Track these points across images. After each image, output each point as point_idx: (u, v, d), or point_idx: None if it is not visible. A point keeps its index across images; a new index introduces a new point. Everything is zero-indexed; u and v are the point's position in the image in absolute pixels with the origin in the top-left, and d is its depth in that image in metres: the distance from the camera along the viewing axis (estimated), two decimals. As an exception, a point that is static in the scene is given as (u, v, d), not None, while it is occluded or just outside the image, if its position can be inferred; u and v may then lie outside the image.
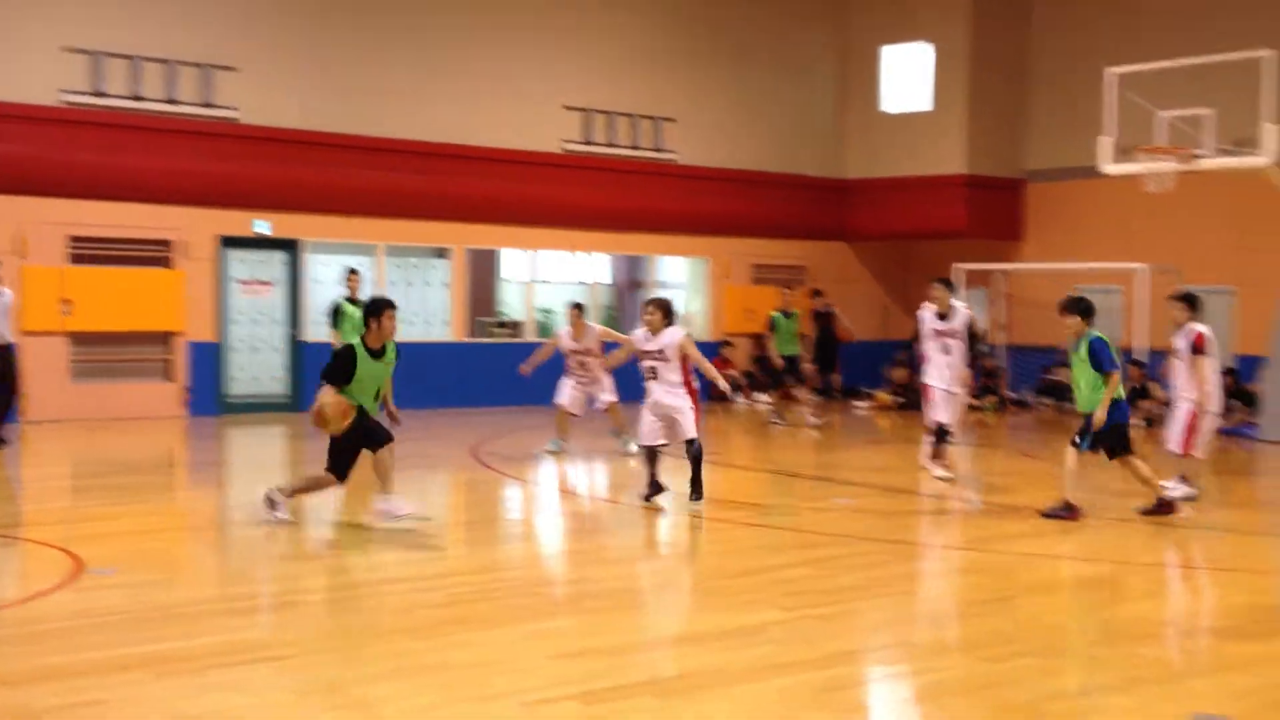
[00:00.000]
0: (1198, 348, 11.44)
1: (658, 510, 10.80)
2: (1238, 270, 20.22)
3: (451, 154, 19.91)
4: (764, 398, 20.78)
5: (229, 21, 18.41)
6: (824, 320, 20.60)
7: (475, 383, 20.30)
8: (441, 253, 20.82)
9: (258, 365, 19.13)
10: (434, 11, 20.01)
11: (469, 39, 20.34)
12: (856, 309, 23.21)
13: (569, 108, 21.28)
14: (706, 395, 11.72)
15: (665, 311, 10.99)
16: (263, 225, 18.84)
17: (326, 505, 10.56)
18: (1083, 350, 10.47)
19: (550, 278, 22.73)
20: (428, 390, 19.02)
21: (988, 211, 23.28)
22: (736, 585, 8.48)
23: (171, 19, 18.00)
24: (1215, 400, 11.63)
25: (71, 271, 17.38)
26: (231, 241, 18.70)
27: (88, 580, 7.93)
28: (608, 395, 14.42)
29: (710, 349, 19.85)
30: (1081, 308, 10.59)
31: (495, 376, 19.74)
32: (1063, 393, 21.06)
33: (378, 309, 9.76)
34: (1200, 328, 11.54)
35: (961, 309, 12.80)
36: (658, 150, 22.22)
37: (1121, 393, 10.47)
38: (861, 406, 21.50)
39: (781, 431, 17.72)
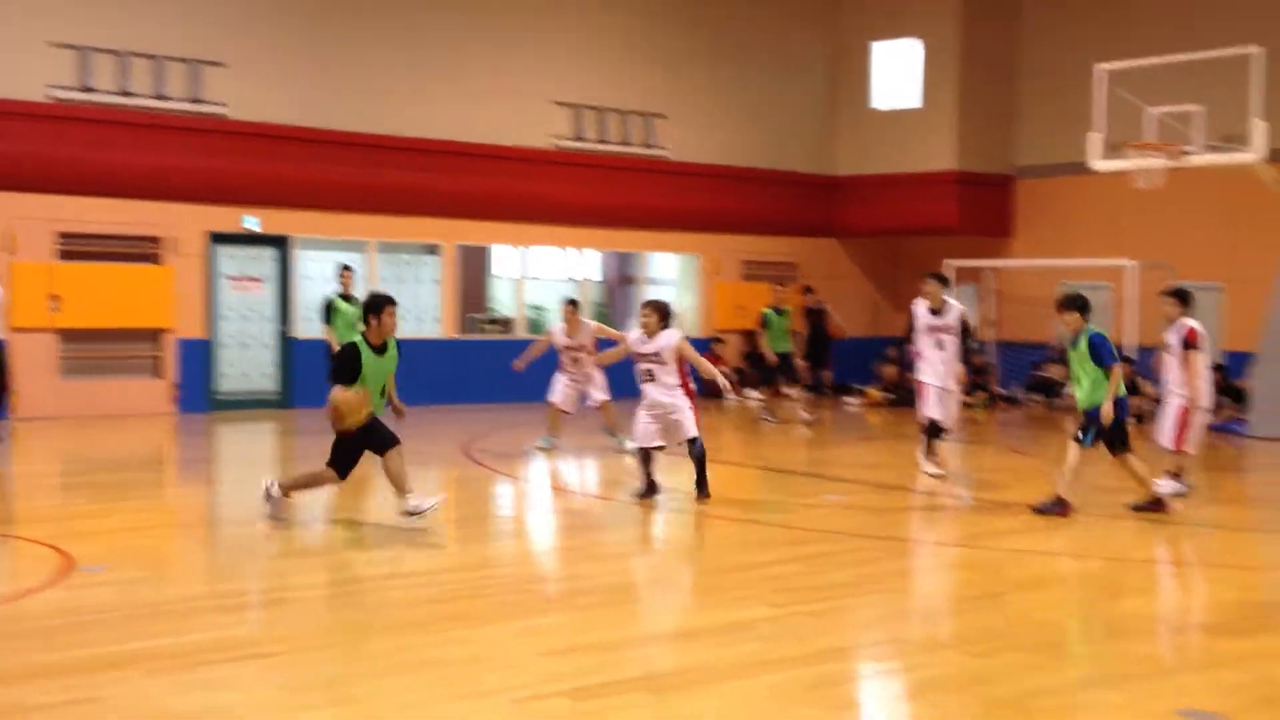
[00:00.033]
0: (1190, 343, 11.47)
1: (649, 507, 10.80)
2: (1226, 267, 20.28)
3: (442, 150, 19.89)
4: (754, 394, 20.80)
5: (217, 17, 18.36)
6: (815, 317, 20.62)
7: (466, 379, 20.28)
8: (432, 249, 20.79)
9: (248, 362, 19.09)
10: (425, 7, 19.97)
11: (460, 35, 20.31)
12: (847, 306, 23.23)
13: (560, 104, 21.27)
14: (701, 392, 11.72)
15: (662, 314, 10.96)
16: (252, 221, 18.81)
17: (318, 502, 10.54)
18: (1082, 346, 10.48)
19: (541, 274, 22.73)
20: (419, 387, 18.88)
21: (978, 208, 23.32)
22: (727, 581, 8.49)
23: (160, 14, 17.94)
24: (1206, 396, 11.67)
25: (60, 268, 17.34)
26: (221, 238, 18.67)
27: (78, 577, 7.91)
28: (600, 394, 14.40)
29: (701, 345, 19.84)
30: (1079, 304, 10.61)
31: (486, 373, 19.74)
32: (1052, 389, 21.15)
33: (378, 305, 9.61)
34: (1192, 323, 11.58)
35: (955, 304, 12.81)
36: (648, 147, 22.21)
37: (1122, 388, 10.49)
38: (852, 403, 21.52)
39: (772, 428, 17.73)
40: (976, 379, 20.88)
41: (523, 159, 20.73)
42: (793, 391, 19.03)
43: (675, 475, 11.90)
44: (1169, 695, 5.91)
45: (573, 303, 14.79)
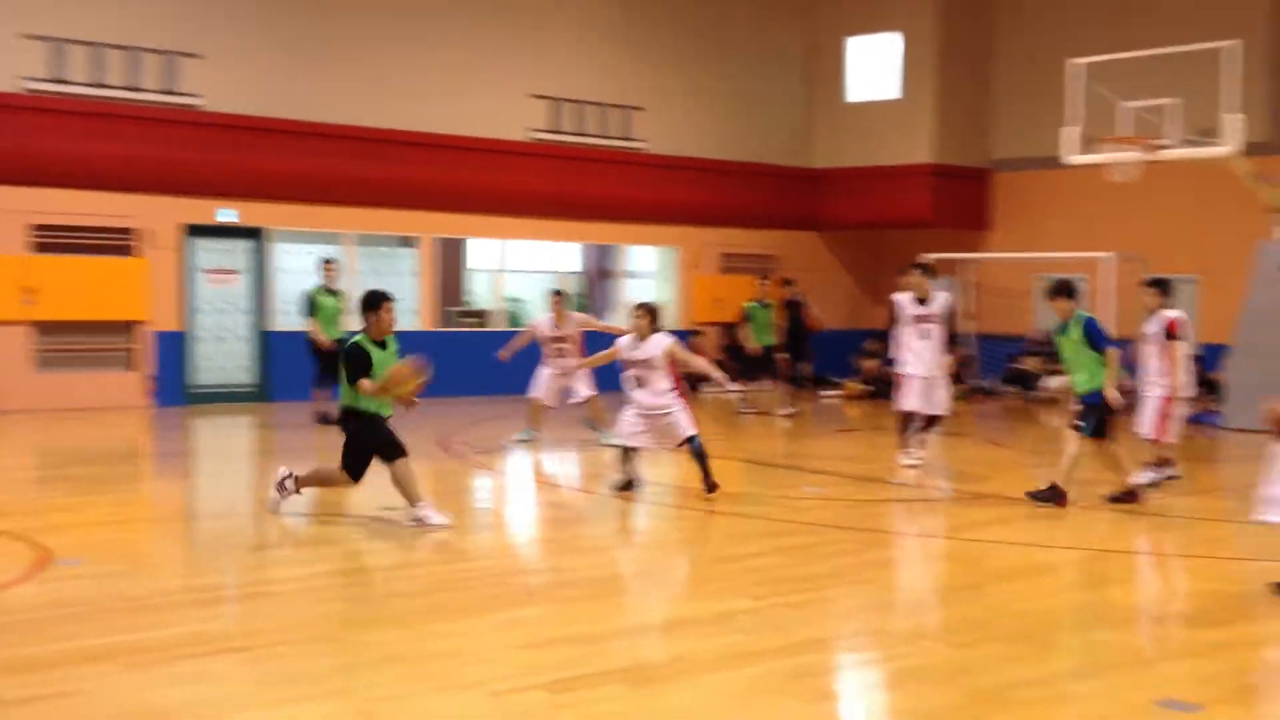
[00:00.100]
0: (1171, 333, 11.53)
1: (629, 500, 10.80)
2: (1201, 259, 20.40)
3: (419, 142, 19.82)
4: (734, 386, 20.78)
5: (192, 8, 18.24)
6: (794, 309, 20.63)
7: (443, 373, 20.07)
8: (409, 242, 20.72)
9: (224, 355, 18.99)
10: (401, -1, 19.91)
11: (436, 26, 20.24)
12: (825, 298, 23.25)
13: (538, 96, 21.22)
14: (691, 386, 11.72)
15: (654, 316, 10.91)
16: (228, 214, 18.70)
17: (307, 498, 10.48)
18: (1075, 332, 10.50)
19: (519, 267, 22.67)
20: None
21: (954, 201, 23.39)
22: (708, 574, 8.50)
23: (134, 5, 17.82)
24: (1187, 386, 11.74)
25: (34, 260, 17.20)
26: (196, 230, 18.55)
27: (54, 571, 7.87)
28: (586, 389, 14.31)
29: (679, 339, 19.84)
30: (1069, 290, 10.65)
31: (464, 366, 19.67)
32: (1029, 381, 21.23)
33: (375, 302, 9.48)
34: (1173, 313, 11.64)
35: (941, 294, 12.81)
36: (626, 139, 22.19)
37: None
38: (830, 395, 21.55)
39: (752, 420, 17.75)
40: (958, 370, 20.94)
41: (500, 151, 20.67)
42: (773, 384, 19.03)
43: (657, 468, 11.91)
44: (1148, 685, 5.95)
45: (559, 293, 14.75)
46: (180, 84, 18.06)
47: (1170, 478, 11.60)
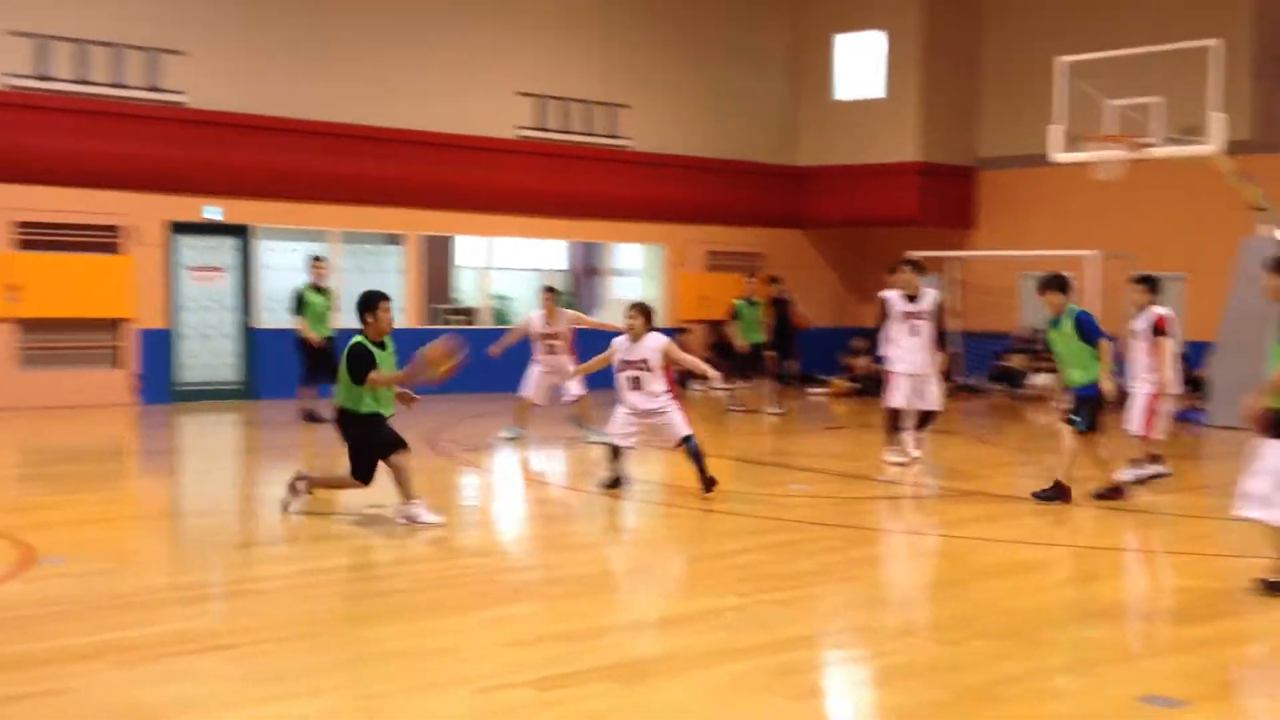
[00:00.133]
0: (1159, 329, 11.57)
1: (616, 498, 10.80)
2: (1186, 257, 20.47)
3: (405, 139, 19.78)
4: (722, 384, 20.79)
5: (176, 5, 18.19)
6: (781, 307, 20.64)
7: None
8: (395, 239, 20.70)
9: (209, 352, 18.94)
10: (387, -4, 19.87)
11: (422, 23, 20.21)
12: (811, 296, 23.26)
13: (523, 94, 21.20)
14: (680, 383, 11.72)
15: (648, 316, 10.89)
16: (213, 211, 18.65)
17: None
18: (1067, 326, 10.53)
19: (505, 264, 22.66)
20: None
21: (940, 199, 23.43)
22: (694, 571, 8.51)
23: (118, 2, 17.77)
24: (1174, 382, 11.78)
25: (19, 257, 17.14)
26: (181, 227, 18.50)
27: (39, 569, 7.84)
28: (576, 388, 14.26)
29: (666, 336, 19.85)
30: (1060, 284, 10.68)
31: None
32: (1015, 378, 21.28)
33: (371, 302, 9.39)
34: (1161, 310, 11.68)
35: (930, 290, 12.84)
36: (612, 137, 22.18)
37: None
38: (817, 393, 21.58)
39: (739, 418, 17.76)
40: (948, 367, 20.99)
41: (487, 149, 20.65)
42: (761, 382, 19.04)
43: (644, 466, 11.91)
44: (1132, 681, 5.97)
45: (551, 290, 14.72)
46: (165, 81, 18.01)
47: (1160, 475, 11.64)
